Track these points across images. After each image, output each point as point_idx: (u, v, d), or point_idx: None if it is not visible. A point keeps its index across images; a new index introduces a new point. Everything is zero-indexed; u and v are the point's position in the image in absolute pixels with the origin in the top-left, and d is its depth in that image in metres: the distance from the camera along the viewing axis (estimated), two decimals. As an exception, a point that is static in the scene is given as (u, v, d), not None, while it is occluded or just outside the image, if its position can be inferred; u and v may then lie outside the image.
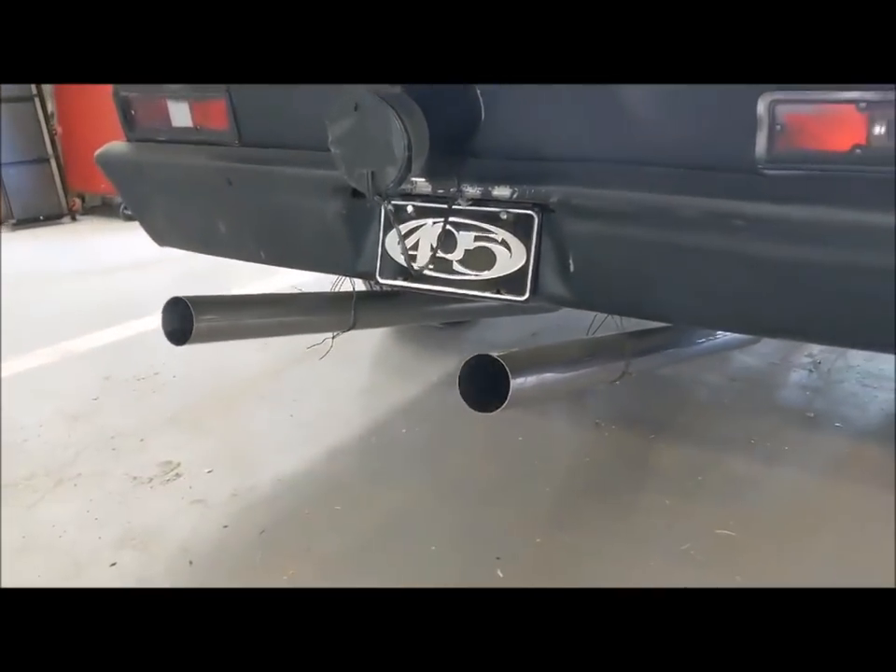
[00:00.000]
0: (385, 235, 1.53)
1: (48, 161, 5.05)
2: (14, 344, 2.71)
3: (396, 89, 1.25)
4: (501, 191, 1.36)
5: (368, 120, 1.24)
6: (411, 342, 2.64)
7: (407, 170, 1.26)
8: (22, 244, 4.52)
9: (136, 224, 1.99)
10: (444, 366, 2.41)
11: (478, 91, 1.35)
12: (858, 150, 1.10)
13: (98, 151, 1.89)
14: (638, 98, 1.23)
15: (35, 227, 4.87)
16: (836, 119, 1.11)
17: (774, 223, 1.14)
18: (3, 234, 4.67)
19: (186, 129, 1.75)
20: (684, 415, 2.13)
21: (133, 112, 1.83)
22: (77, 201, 5.18)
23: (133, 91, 1.81)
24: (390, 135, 1.22)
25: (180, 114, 1.74)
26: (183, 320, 1.46)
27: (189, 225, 1.86)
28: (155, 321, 2.74)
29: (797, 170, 1.14)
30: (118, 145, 1.88)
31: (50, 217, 5.00)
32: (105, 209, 5.26)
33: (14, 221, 4.81)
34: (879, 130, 1.09)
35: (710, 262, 1.22)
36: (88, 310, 3.11)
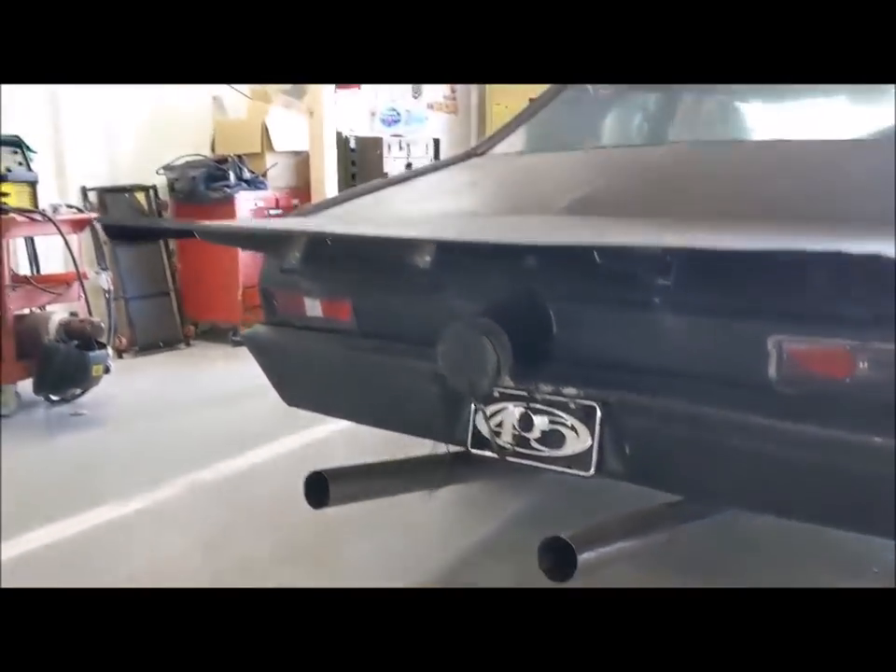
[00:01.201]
0: (474, 414, 1.89)
1: (168, 294, 5.71)
2: (147, 477, 3.13)
3: (487, 320, 1.64)
4: (569, 390, 1.72)
5: (467, 345, 1.63)
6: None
7: (496, 379, 1.64)
8: (145, 371, 5.09)
9: (244, 350, 2.38)
10: (521, 503, 2.73)
11: (551, 313, 1.73)
12: (848, 379, 1.43)
13: (245, 333, 2.35)
14: (676, 326, 1.59)
15: (154, 353, 5.46)
16: (830, 356, 1.44)
17: (783, 431, 1.47)
18: (127, 361, 5.27)
19: (316, 318, 2.19)
20: (749, 564, 2.37)
21: (274, 302, 2.29)
22: (192, 328, 5.79)
23: (275, 286, 2.27)
24: (484, 357, 1.61)
25: (313, 307, 2.19)
26: (322, 488, 1.84)
27: (316, 393, 2.28)
28: (273, 450, 3.12)
29: (803, 390, 1.47)
30: (260, 327, 2.33)
31: (168, 343, 5.60)
32: (213, 334, 5.84)
33: (137, 349, 5.42)
34: (863, 365, 1.41)
35: (734, 457, 1.55)
36: (212, 439, 3.55)
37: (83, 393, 4.04)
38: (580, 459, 1.75)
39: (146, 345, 5.46)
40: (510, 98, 8.23)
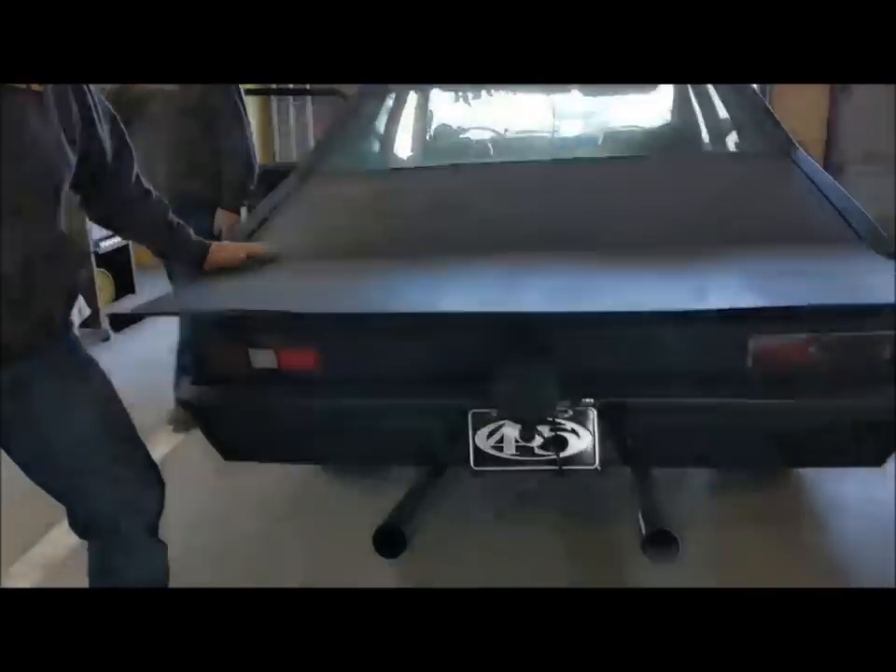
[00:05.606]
0: (474, 435, 2.03)
1: None
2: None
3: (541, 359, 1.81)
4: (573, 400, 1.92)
5: (532, 380, 1.81)
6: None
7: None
8: None
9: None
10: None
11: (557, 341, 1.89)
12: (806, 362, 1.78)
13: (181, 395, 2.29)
14: (674, 334, 1.84)
15: None
16: (795, 349, 1.78)
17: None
18: None
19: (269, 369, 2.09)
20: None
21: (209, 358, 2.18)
22: None
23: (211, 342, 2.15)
24: (548, 389, 1.81)
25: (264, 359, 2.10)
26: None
27: (273, 443, 2.18)
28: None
29: (771, 375, 1.79)
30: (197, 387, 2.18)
31: None
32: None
33: None
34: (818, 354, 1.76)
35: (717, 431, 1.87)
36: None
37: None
38: (584, 456, 1.95)
39: None
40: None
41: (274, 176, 2.98)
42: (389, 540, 1.74)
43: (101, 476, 1.68)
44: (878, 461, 1.87)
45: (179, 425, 3.53)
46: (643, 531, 1.72)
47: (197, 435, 2.81)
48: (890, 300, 1.62)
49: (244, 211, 3.71)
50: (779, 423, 1.84)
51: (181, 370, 3.50)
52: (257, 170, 3.47)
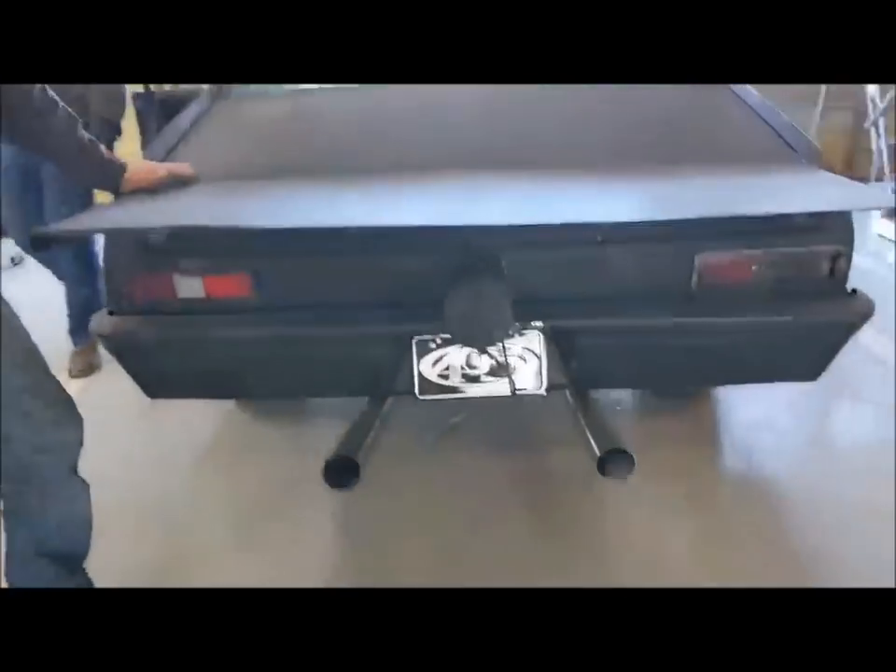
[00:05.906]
0: (418, 363, 1.96)
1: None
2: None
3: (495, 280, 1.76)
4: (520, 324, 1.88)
5: (486, 300, 1.74)
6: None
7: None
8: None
9: None
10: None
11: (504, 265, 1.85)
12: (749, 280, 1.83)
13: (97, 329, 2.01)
14: (621, 253, 1.83)
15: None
16: (739, 265, 1.82)
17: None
18: None
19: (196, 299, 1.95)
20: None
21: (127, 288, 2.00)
22: None
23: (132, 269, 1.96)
24: (503, 310, 1.74)
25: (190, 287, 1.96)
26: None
27: (201, 379, 2.05)
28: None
29: (715, 293, 1.85)
30: (115, 319, 2.02)
31: None
32: None
33: None
34: (760, 270, 1.82)
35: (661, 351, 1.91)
36: None
37: None
38: (531, 381, 1.92)
39: None
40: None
41: (170, 105, 2.75)
42: (341, 471, 1.67)
43: (15, 412, 1.57)
44: (814, 376, 1.94)
45: (78, 371, 3.33)
46: (596, 451, 1.72)
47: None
48: (832, 206, 1.65)
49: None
50: (722, 341, 1.87)
51: (77, 309, 3.32)
52: (126, 102, 3.17)
